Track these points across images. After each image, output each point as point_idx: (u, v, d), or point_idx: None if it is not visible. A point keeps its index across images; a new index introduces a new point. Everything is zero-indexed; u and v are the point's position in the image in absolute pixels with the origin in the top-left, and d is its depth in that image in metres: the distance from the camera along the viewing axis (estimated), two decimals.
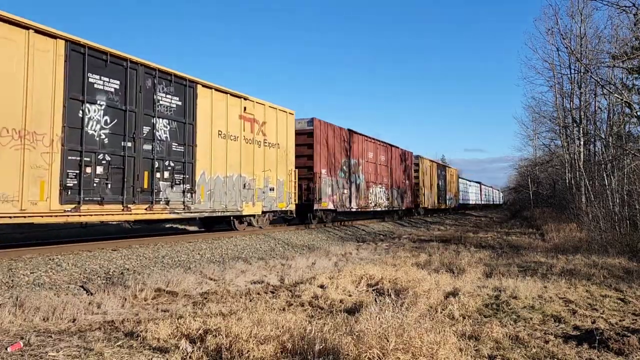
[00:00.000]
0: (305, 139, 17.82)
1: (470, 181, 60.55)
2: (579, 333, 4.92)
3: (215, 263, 9.89)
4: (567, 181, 23.48)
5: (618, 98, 14.45)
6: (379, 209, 24.50)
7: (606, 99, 18.59)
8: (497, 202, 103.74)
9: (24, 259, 8.18)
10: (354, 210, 21.35)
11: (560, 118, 24.14)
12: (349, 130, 20.85)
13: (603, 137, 18.75)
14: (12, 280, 7.09)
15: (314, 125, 18.00)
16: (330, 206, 18.82)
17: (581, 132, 20.80)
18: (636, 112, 14.59)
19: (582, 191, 18.82)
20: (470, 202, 58.62)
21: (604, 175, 16.63)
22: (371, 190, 23.21)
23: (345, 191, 20.18)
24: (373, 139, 23.89)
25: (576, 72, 20.74)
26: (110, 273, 8.28)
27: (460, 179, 49.42)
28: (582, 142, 20.74)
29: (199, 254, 10.69)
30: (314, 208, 17.69)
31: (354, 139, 21.31)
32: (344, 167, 20.21)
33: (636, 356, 4.22)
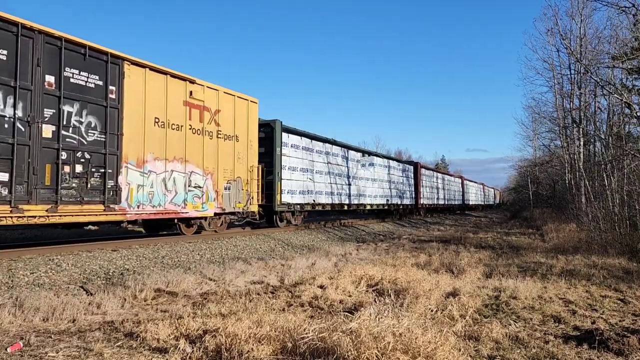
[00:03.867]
0: None
1: (401, 162, 30.79)
2: (578, 333, 4.92)
3: (215, 263, 9.89)
4: (567, 181, 23.48)
5: (618, 98, 14.46)
6: None
7: (606, 100, 18.62)
8: (488, 202, 74.74)
9: (24, 259, 8.19)
10: None
11: (560, 118, 24.15)
12: None
13: (603, 137, 18.75)
14: (12, 281, 7.10)
15: None
16: None
17: (581, 132, 20.80)
18: (636, 113, 14.59)
19: (582, 191, 18.82)
20: (400, 202, 28.59)
21: (604, 175, 16.62)
22: None
23: None
24: None
25: (576, 72, 20.77)
26: (110, 273, 8.28)
27: (350, 152, 22.12)
28: (582, 143, 20.74)
29: (198, 254, 10.69)
30: None
31: None
32: None
33: (636, 356, 4.22)
